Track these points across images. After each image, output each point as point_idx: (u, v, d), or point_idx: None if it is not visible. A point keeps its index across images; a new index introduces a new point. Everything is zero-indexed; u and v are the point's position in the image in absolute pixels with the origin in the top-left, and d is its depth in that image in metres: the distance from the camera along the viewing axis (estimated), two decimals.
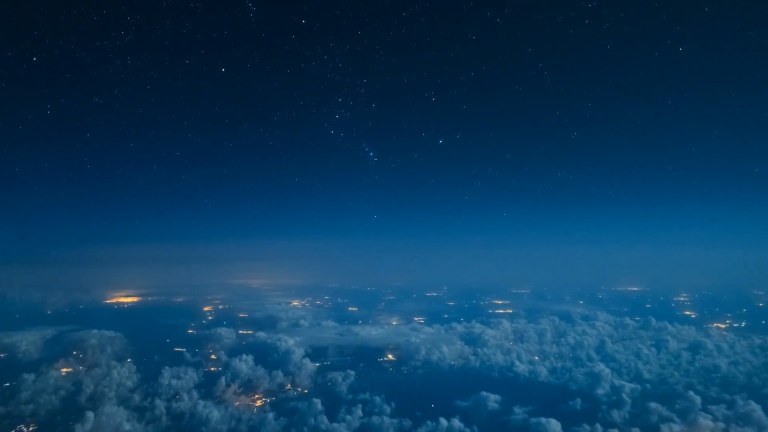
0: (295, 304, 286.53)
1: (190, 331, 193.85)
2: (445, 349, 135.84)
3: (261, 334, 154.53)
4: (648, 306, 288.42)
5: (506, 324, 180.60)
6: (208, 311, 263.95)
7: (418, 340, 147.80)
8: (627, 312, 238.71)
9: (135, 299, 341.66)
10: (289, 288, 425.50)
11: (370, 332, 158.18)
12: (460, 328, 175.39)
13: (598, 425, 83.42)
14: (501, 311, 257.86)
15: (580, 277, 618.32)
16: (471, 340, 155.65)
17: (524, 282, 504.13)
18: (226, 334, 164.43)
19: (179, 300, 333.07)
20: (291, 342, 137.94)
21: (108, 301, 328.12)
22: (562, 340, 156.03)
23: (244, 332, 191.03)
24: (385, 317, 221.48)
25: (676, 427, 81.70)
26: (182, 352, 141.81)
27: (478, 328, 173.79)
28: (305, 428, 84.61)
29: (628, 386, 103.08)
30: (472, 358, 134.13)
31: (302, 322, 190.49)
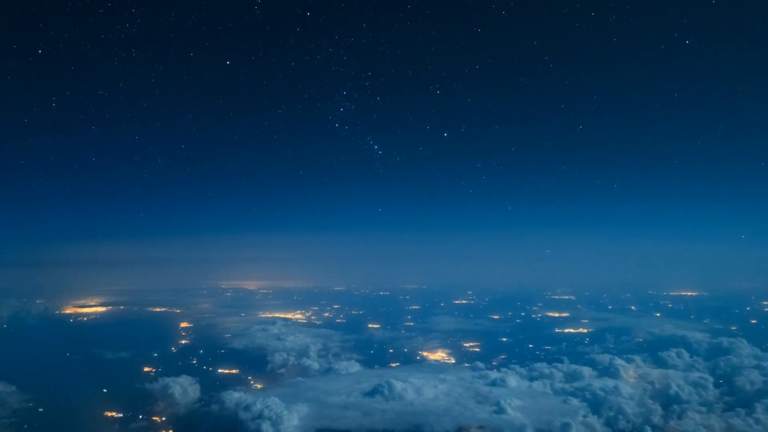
0: (297, 317, 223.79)
1: (146, 369, 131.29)
2: None
3: (234, 398, 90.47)
4: (753, 321, 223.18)
5: (628, 368, 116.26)
6: (184, 329, 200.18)
7: (513, 414, 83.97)
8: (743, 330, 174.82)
9: (100, 309, 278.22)
10: (289, 294, 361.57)
11: (421, 392, 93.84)
12: (559, 375, 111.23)
13: None
14: (572, 330, 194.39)
15: (616, 277, 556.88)
16: (596, 402, 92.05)
17: (559, 284, 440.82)
18: (186, 389, 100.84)
19: (155, 310, 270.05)
20: (288, 423, 75.04)
21: (65, 311, 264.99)
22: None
23: (224, 371, 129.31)
24: (426, 346, 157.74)
25: None
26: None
27: (588, 374, 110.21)
28: None
29: None
30: None
31: (308, 362, 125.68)
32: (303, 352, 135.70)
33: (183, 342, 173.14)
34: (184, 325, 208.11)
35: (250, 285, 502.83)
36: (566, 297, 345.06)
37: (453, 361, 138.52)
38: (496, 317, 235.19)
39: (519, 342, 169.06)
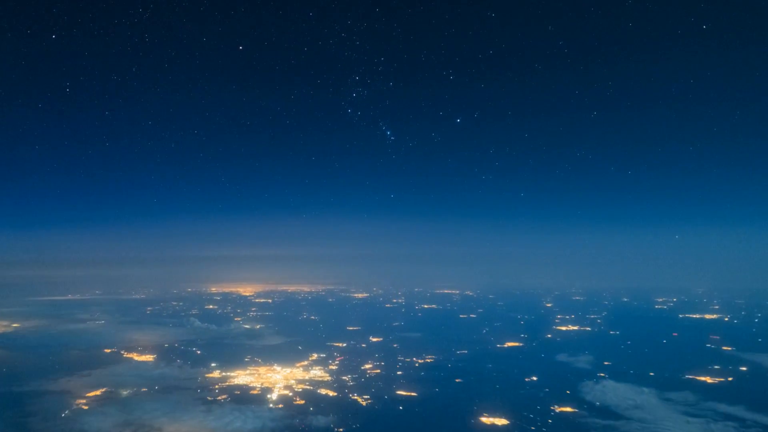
0: (316, 375, 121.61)
1: None
2: None
3: None
4: None
5: None
6: (90, 398, 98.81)
7: None
8: None
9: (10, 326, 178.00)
10: (296, 302, 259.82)
11: None
12: None
13: None
14: None
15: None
16: None
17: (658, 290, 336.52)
18: None
19: (91, 325, 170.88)
20: None
21: None
22: None
23: None
24: None
25: None
26: None
27: None
28: None
29: None
30: None
31: None
32: None
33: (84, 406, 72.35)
34: (130, 355, 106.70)
35: (246, 289, 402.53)
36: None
37: None
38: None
39: None
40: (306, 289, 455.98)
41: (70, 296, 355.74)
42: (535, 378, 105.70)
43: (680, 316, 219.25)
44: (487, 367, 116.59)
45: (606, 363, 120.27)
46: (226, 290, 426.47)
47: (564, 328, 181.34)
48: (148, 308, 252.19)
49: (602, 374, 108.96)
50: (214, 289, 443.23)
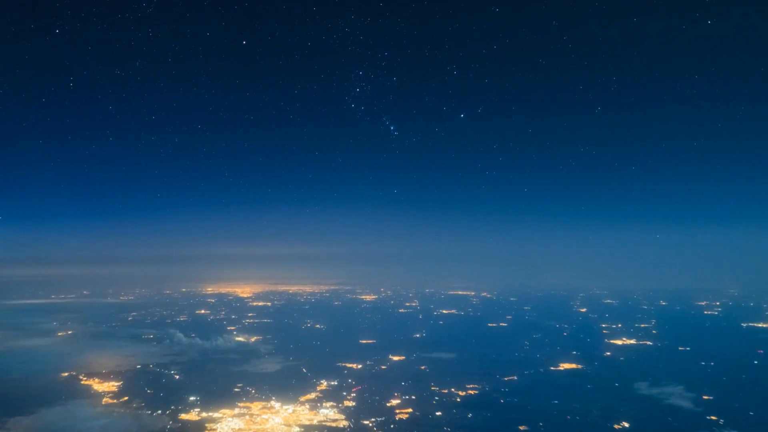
0: (328, 417, 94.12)
1: None
2: None
3: None
4: None
5: None
6: None
7: None
8: None
9: None
10: (298, 306, 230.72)
11: None
12: None
13: None
14: None
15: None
16: None
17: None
18: None
19: (55, 340, 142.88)
20: None
21: None
22: None
23: None
24: None
25: None
26: None
27: None
28: None
29: None
30: None
31: None
32: None
33: None
34: (93, 382, 78.65)
35: (244, 290, 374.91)
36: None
37: None
38: None
39: None
40: (308, 289, 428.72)
41: (53, 298, 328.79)
42: (626, 424, 77.32)
43: (743, 325, 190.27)
44: (552, 404, 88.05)
45: (706, 398, 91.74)
46: (223, 290, 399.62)
47: (619, 342, 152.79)
48: (132, 314, 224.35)
49: (713, 417, 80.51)
50: (210, 289, 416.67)
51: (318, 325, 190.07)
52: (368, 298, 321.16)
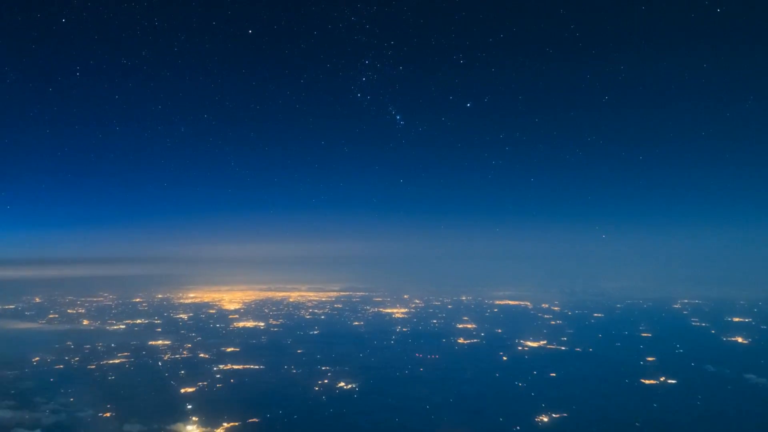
0: None
1: None
2: None
3: None
4: None
5: None
6: None
7: None
8: None
9: None
10: (303, 324, 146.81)
11: None
12: None
13: None
14: None
15: None
16: None
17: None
18: None
19: None
20: None
21: None
22: None
23: None
24: None
25: None
26: None
27: None
28: None
29: None
30: None
31: None
32: None
33: None
34: None
35: (229, 303, 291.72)
36: None
37: None
38: None
39: None
40: (312, 296, 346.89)
41: None
42: None
43: None
44: None
45: None
46: (207, 298, 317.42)
47: None
48: (68, 343, 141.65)
49: None
50: (192, 296, 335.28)
51: (342, 383, 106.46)
52: (397, 313, 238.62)
